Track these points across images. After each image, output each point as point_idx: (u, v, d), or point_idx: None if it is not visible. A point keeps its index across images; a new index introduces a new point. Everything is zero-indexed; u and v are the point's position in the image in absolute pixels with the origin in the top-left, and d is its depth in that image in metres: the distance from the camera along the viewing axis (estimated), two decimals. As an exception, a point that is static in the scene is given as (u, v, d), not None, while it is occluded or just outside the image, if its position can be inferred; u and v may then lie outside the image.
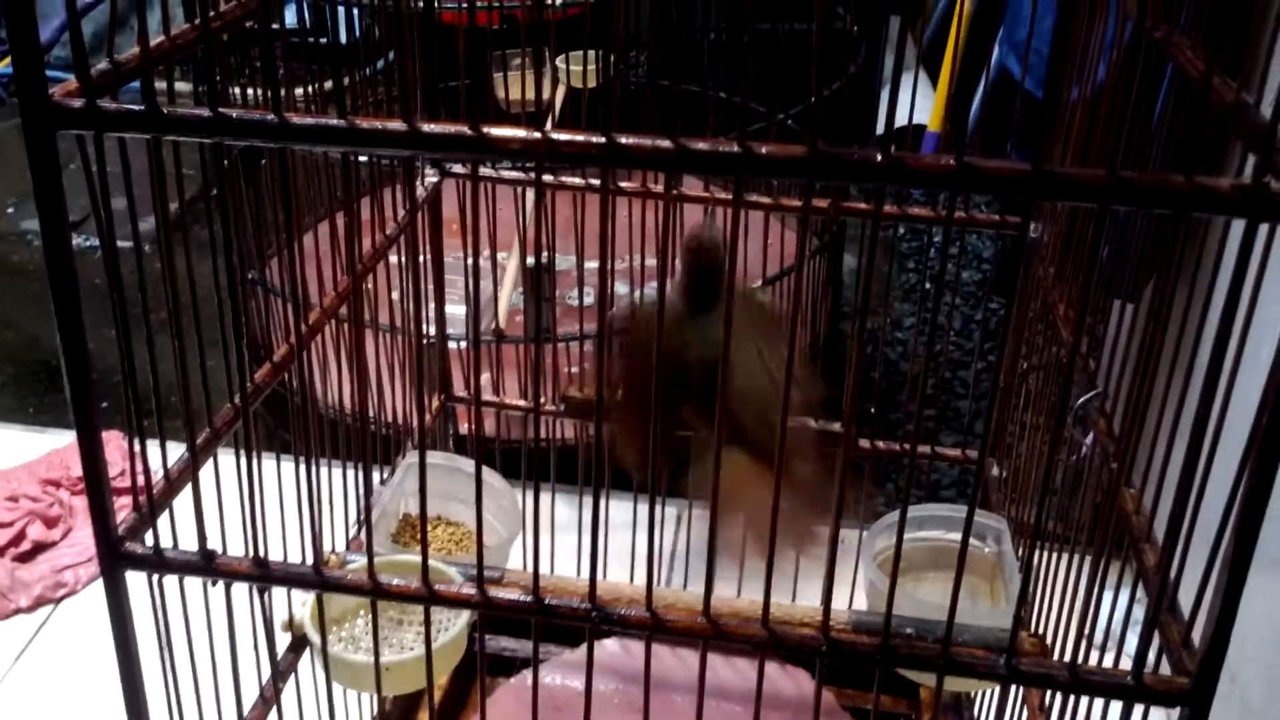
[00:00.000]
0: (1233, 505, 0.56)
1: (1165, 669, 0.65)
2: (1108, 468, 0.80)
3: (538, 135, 0.54)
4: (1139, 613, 0.92)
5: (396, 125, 0.55)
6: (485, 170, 1.18)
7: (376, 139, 0.56)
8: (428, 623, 0.72)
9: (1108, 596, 0.77)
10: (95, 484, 0.68)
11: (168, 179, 0.67)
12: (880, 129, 0.57)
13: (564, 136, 0.53)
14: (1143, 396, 0.68)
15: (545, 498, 1.19)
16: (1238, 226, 0.53)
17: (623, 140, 0.52)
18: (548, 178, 1.19)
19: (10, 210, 3.12)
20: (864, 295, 0.64)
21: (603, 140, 0.53)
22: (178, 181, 0.70)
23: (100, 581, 1.63)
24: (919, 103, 1.42)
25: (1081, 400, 0.85)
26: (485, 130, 0.54)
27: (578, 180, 1.17)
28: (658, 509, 0.67)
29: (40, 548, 1.67)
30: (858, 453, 1.21)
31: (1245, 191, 0.49)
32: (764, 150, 0.51)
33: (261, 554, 0.72)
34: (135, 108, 0.57)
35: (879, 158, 0.50)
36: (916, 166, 0.51)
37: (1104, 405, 0.85)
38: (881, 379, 1.41)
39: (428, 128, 0.55)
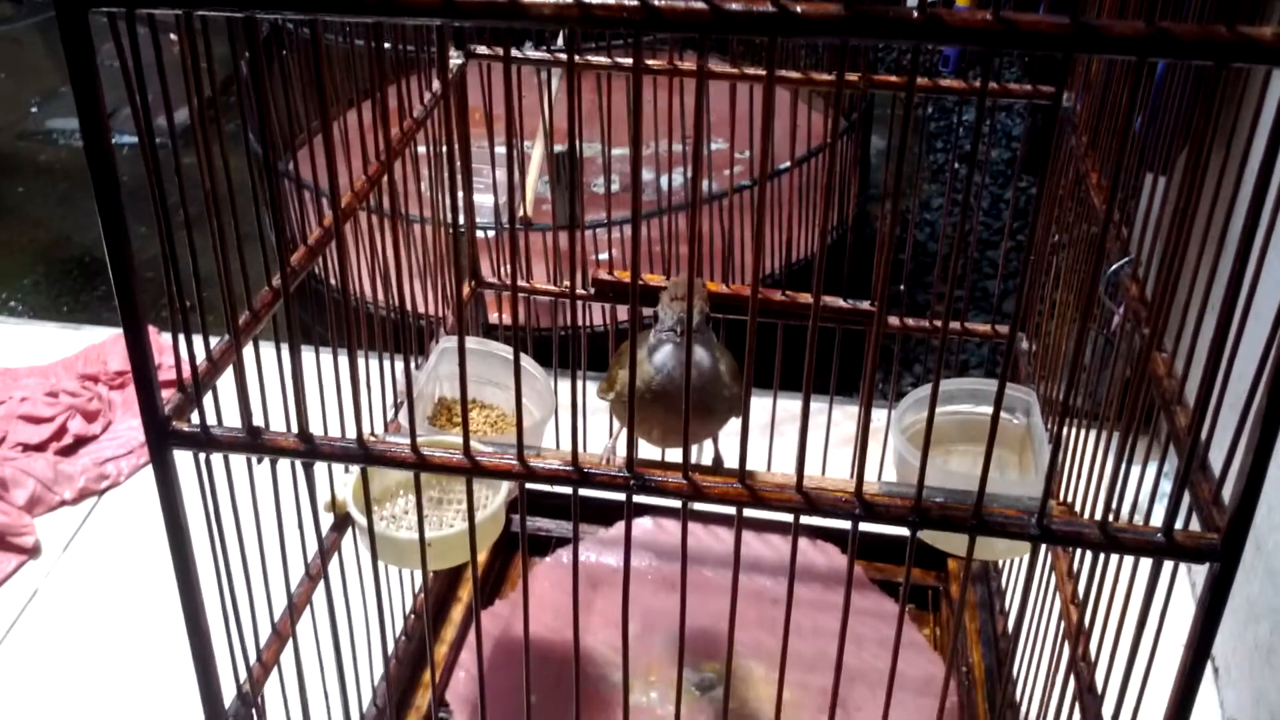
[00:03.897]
0: (1269, 353, 0.56)
1: (1194, 530, 0.66)
2: (1140, 333, 0.81)
3: (570, 0, 0.53)
4: (1165, 487, 0.94)
5: (428, -7, 0.55)
6: (511, 52, 1.17)
7: (408, 9, 0.55)
8: (470, 494, 0.74)
9: (1134, 471, 0.78)
10: (141, 365, 0.69)
11: (199, 70, 0.67)
12: (912, 3, 0.56)
13: (596, 1, 0.53)
14: (1178, 257, 0.68)
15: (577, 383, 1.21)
16: (1275, 88, 0.53)
17: (656, 3, 0.52)
18: (574, 57, 1.18)
19: (33, 110, 3.12)
20: (898, 166, 0.64)
21: (636, 3, 0.52)
22: (209, 72, 0.70)
23: (142, 473, 1.68)
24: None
25: (1114, 267, 0.85)
26: (517, -4, 0.54)
27: (604, 60, 1.16)
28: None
29: (81, 441, 1.70)
30: (887, 330, 1.22)
31: (1288, 40, 0.48)
32: (799, 9, 0.51)
33: (306, 429, 0.73)
34: (167, -20, 0.57)
35: (915, 14, 0.50)
36: (954, 23, 0.50)
37: (1136, 272, 0.85)
38: (910, 260, 1.41)
39: (459, -5, 0.55)
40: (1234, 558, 0.63)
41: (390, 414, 1.15)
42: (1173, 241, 0.69)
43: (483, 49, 1.18)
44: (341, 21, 0.72)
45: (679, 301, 0.92)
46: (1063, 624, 0.90)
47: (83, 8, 0.59)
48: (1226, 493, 0.63)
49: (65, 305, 2.43)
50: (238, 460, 0.76)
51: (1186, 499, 0.66)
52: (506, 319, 1.79)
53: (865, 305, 1.16)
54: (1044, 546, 0.96)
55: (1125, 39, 0.50)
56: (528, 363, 1.19)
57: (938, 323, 1.20)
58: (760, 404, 1.24)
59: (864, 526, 0.68)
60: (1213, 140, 0.66)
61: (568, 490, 0.71)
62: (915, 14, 0.51)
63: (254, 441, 0.72)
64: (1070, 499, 0.98)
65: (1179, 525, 0.65)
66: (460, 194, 1.26)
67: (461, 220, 1.28)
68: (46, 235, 2.64)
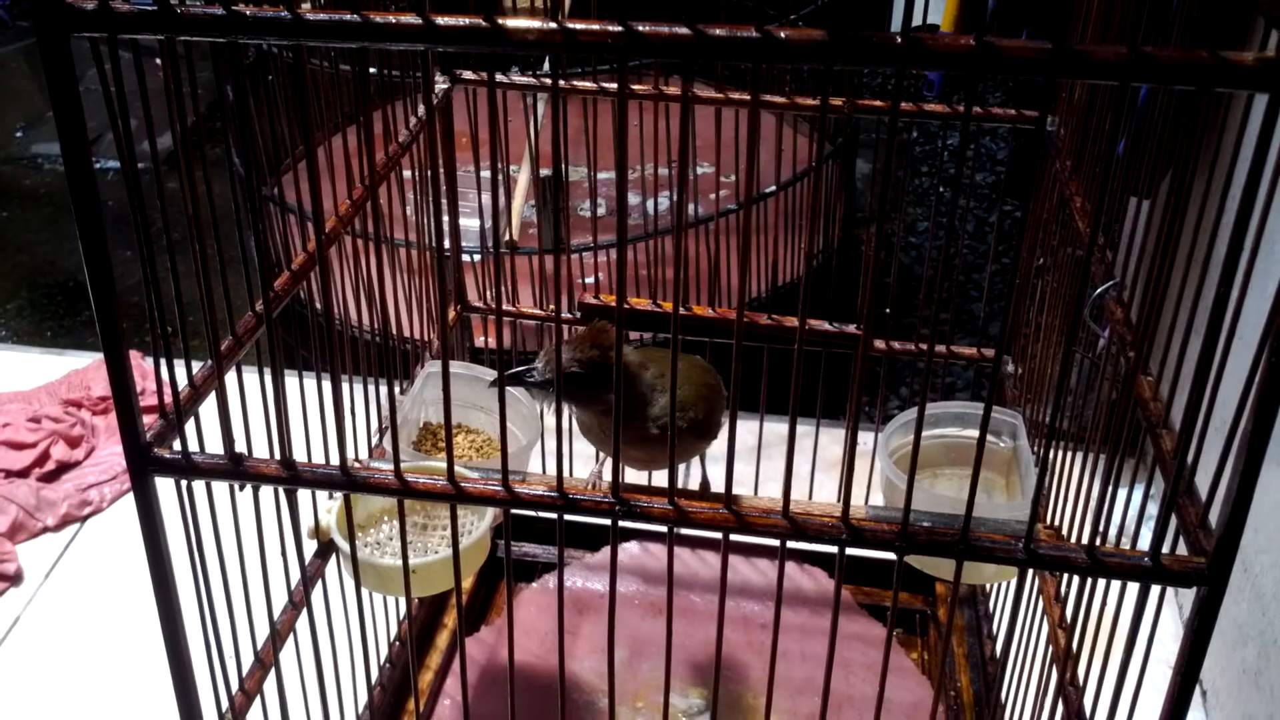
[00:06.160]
0: (1253, 379, 0.56)
1: (1181, 554, 0.66)
2: (1124, 356, 0.81)
3: (554, 26, 0.53)
4: (1153, 509, 0.94)
5: (411, 19, 0.55)
6: (497, 77, 1.18)
7: (391, 33, 0.55)
8: (454, 520, 0.73)
9: (1120, 494, 0.78)
10: (122, 389, 0.68)
11: (182, 95, 0.67)
12: (895, 28, 0.56)
13: (580, 26, 0.53)
14: (1162, 280, 0.68)
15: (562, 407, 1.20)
16: (1256, 114, 0.53)
17: (640, 28, 0.52)
18: (560, 83, 1.18)
19: (18, 135, 3.11)
20: (883, 189, 0.64)
21: (620, 29, 0.52)
22: (193, 97, 0.70)
23: (125, 500, 1.67)
24: (931, 4, 1.41)
25: (1099, 290, 0.85)
26: (500, 22, 0.54)
27: (590, 85, 1.16)
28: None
29: (64, 467, 1.69)
30: (873, 354, 1.22)
31: (1269, 65, 0.49)
32: (783, 35, 0.51)
33: (288, 456, 0.73)
34: (148, 7, 0.57)
35: (899, 39, 0.50)
36: (937, 47, 0.50)
37: (1121, 295, 0.85)
38: (895, 283, 1.41)
39: (443, 21, 0.54)
40: (1221, 582, 0.63)
41: (375, 439, 1.14)
42: (1157, 265, 0.69)
43: (468, 74, 1.18)
44: (326, 47, 0.72)
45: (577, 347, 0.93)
46: (1051, 648, 0.90)
47: (64, 33, 0.59)
48: (1213, 515, 0.63)
49: (49, 330, 2.42)
50: (220, 487, 0.76)
51: (1173, 522, 0.66)
52: (493, 343, 1.79)
53: (851, 328, 1.16)
54: (1031, 570, 0.96)
55: (1108, 64, 0.50)
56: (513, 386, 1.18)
57: (923, 346, 1.20)
58: (747, 427, 1.23)
59: (851, 551, 0.68)
60: (1196, 164, 0.66)
61: (554, 515, 0.70)
62: (898, 39, 0.51)
63: (236, 469, 0.72)
64: (1057, 522, 0.98)
65: (1166, 549, 0.65)
66: (445, 218, 1.26)
67: (447, 244, 1.27)
68: (31, 260, 2.63)
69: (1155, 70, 0.50)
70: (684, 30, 0.52)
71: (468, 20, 0.55)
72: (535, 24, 0.54)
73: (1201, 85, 0.50)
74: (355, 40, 0.56)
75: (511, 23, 0.54)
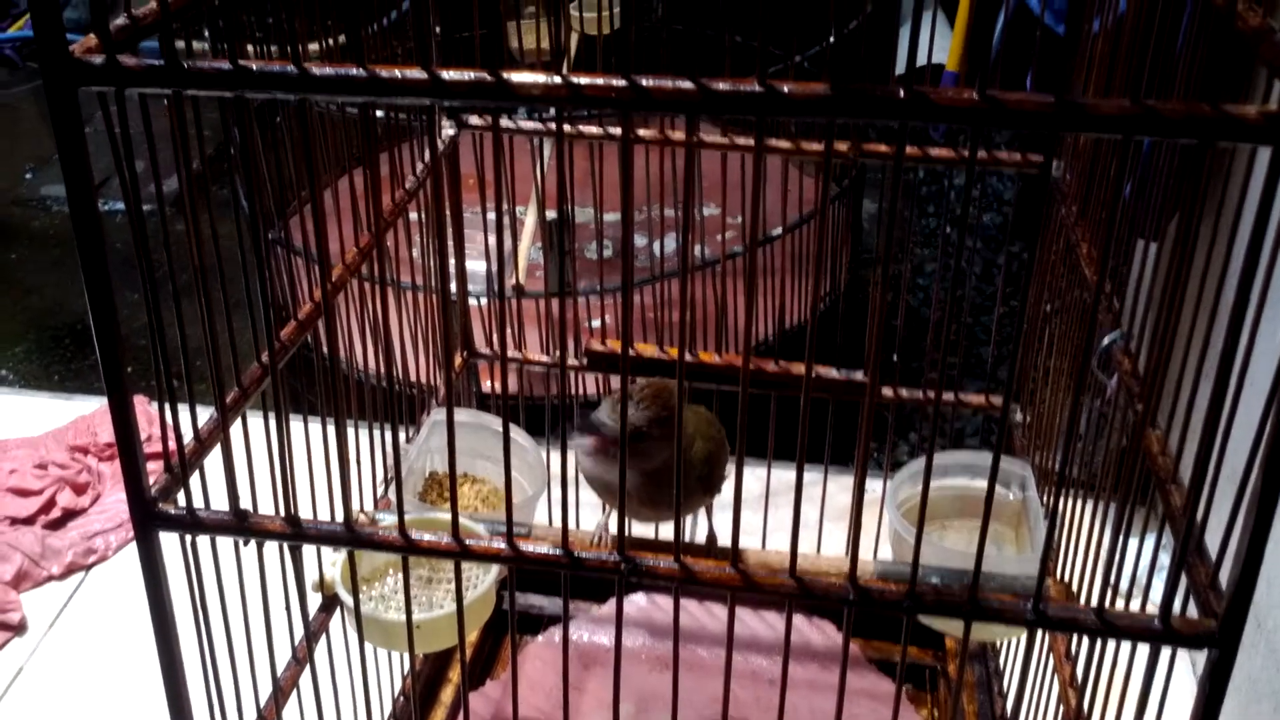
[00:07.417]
0: (1261, 439, 0.55)
1: (1192, 613, 0.65)
2: (1132, 409, 0.80)
3: (558, 80, 0.53)
4: (1164, 559, 0.92)
5: (416, 73, 0.55)
6: (503, 122, 1.18)
7: (396, 88, 0.55)
8: (458, 578, 0.72)
9: (1133, 544, 0.77)
10: (127, 444, 0.68)
11: (188, 144, 0.67)
12: (900, 69, 0.56)
13: (585, 80, 0.53)
14: (1168, 334, 0.67)
15: (570, 454, 1.19)
16: (1262, 160, 0.52)
17: (644, 82, 0.52)
18: (566, 127, 1.18)
19: (28, 176, 3.12)
20: (888, 237, 0.64)
21: (623, 83, 0.52)
22: (198, 142, 0.70)
23: (130, 547, 1.66)
24: (937, 42, 1.41)
25: (1106, 341, 0.85)
26: (505, 76, 0.54)
27: (596, 130, 1.17)
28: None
29: (70, 515, 1.68)
30: (880, 401, 1.21)
31: (1271, 118, 0.48)
32: (786, 89, 0.51)
33: (293, 513, 0.72)
34: (156, 62, 0.57)
35: (901, 93, 0.50)
36: (940, 101, 0.50)
37: (1128, 345, 0.85)
38: (903, 326, 1.41)
39: (448, 75, 0.54)
40: (1233, 644, 0.61)
41: (380, 489, 1.13)
42: (1164, 318, 0.69)
43: (475, 119, 1.19)
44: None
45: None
46: (1062, 707, 0.88)
47: (72, 85, 0.59)
48: (1225, 570, 0.62)
49: (57, 374, 2.42)
50: (224, 540, 0.75)
51: (1184, 580, 0.65)
52: (499, 387, 1.78)
53: (858, 376, 1.15)
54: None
55: (1111, 118, 0.50)
56: (519, 435, 1.18)
57: (931, 394, 1.19)
58: (754, 475, 1.22)
59: (860, 605, 0.67)
60: (1201, 214, 0.66)
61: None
62: (901, 93, 0.50)
63: (240, 525, 0.71)
64: (1067, 576, 0.97)
65: (1178, 606, 0.64)
66: (451, 265, 1.26)
67: (454, 290, 1.27)
68: (39, 302, 2.63)
69: (1158, 124, 0.50)
70: (688, 85, 0.52)
71: (473, 74, 0.55)
72: (540, 78, 0.54)
73: (1204, 138, 0.50)
74: (361, 94, 0.56)
75: (517, 77, 0.54)
